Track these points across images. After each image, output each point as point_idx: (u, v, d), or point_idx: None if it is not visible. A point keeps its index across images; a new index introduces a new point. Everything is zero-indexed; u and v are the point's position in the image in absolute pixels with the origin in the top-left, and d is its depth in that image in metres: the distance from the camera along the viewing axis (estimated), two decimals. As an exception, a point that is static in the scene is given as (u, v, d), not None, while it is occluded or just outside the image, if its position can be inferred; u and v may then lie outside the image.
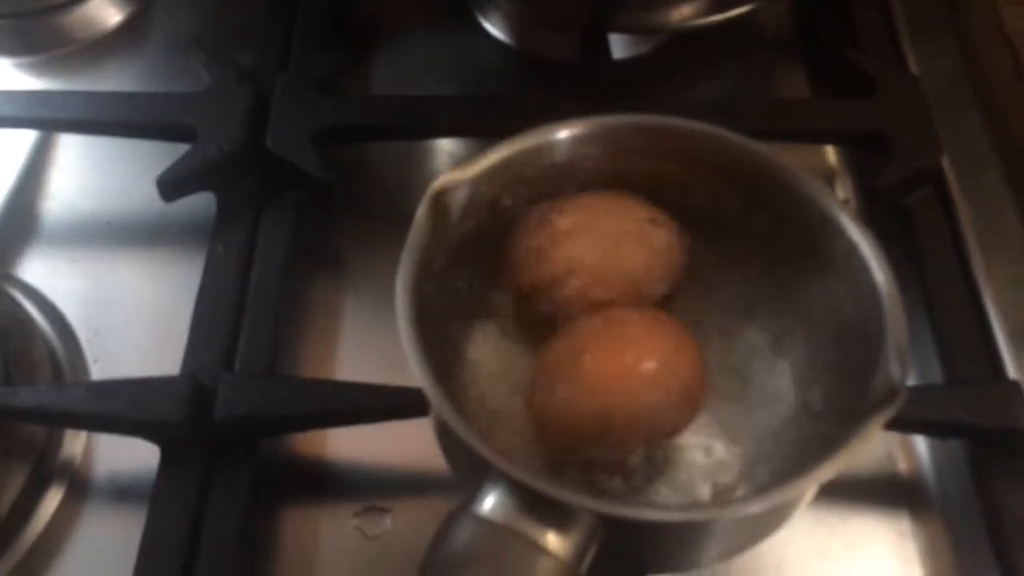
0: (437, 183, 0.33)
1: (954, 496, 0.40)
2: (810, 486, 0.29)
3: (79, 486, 0.40)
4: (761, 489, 0.30)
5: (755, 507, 0.28)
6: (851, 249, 0.32)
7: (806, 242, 0.34)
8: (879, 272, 0.31)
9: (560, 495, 0.27)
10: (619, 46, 0.53)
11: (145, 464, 0.39)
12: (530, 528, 0.27)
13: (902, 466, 0.41)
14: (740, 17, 0.50)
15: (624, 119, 0.35)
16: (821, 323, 0.34)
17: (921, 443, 0.41)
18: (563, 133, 0.35)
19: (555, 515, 0.27)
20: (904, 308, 0.30)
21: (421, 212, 0.33)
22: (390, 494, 0.40)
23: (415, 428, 0.37)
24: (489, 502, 0.28)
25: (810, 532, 0.39)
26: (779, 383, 0.34)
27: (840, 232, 0.32)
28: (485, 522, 0.28)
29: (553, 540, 0.27)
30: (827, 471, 0.28)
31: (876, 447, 0.41)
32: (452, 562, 0.27)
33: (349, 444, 0.41)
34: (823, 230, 0.33)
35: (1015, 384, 0.39)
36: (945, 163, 0.46)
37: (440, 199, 0.33)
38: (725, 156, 0.35)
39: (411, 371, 0.30)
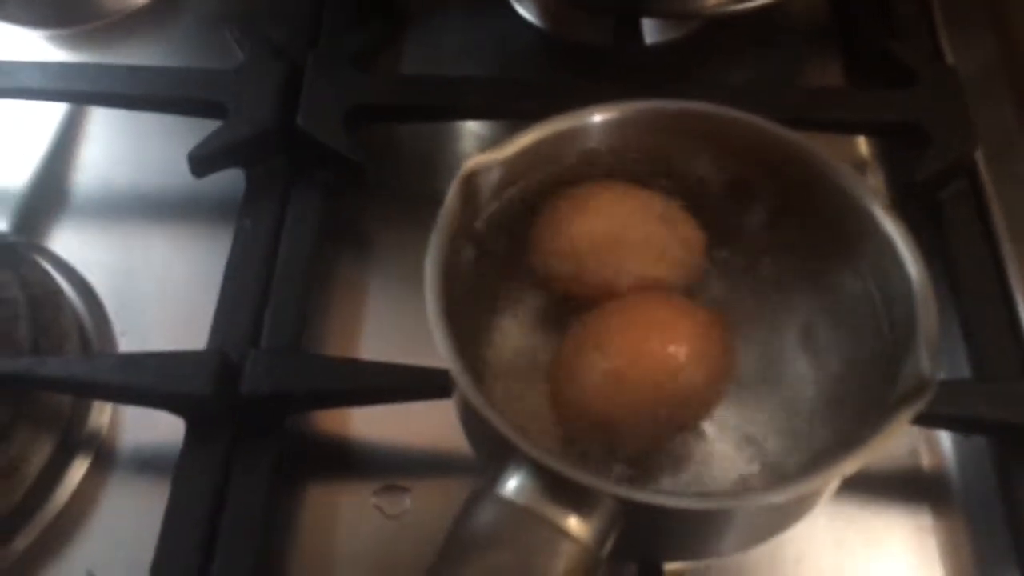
0: (469, 164, 0.33)
1: (976, 492, 0.39)
2: (833, 478, 0.29)
3: (105, 457, 0.41)
4: (783, 479, 0.29)
5: (777, 497, 0.28)
6: (884, 241, 0.32)
7: (838, 231, 0.33)
8: (912, 265, 0.31)
9: (584, 479, 0.27)
10: (652, 31, 0.52)
11: (170, 437, 0.39)
12: (552, 511, 0.27)
13: (925, 461, 0.40)
14: (775, 4, 0.49)
15: (656, 104, 0.35)
16: (850, 314, 0.33)
17: (945, 438, 0.41)
18: (596, 118, 0.35)
19: (578, 499, 0.27)
20: (936, 302, 0.30)
21: (452, 193, 0.33)
22: (410, 474, 0.40)
23: (437, 409, 0.37)
24: (512, 484, 0.28)
25: (829, 525, 0.39)
26: (806, 373, 0.34)
27: (873, 223, 0.32)
28: (507, 504, 0.28)
29: (575, 524, 0.27)
30: (852, 464, 0.27)
31: (900, 441, 0.41)
32: (473, 543, 0.28)
33: (371, 423, 0.41)
34: (856, 220, 0.33)
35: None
36: (979, 156, 0.45)
37: (471, 180, 0.33)
38: (757, 143, 0.35)
39: (436, 352, 0.30)
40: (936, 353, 0.29)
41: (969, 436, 0.40)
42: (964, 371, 0.41)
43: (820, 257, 0.34)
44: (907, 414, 0.28)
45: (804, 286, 0.35)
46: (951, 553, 0.38)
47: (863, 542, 0.39)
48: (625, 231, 0.35)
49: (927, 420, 0.39)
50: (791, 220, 0.35)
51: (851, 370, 0.33)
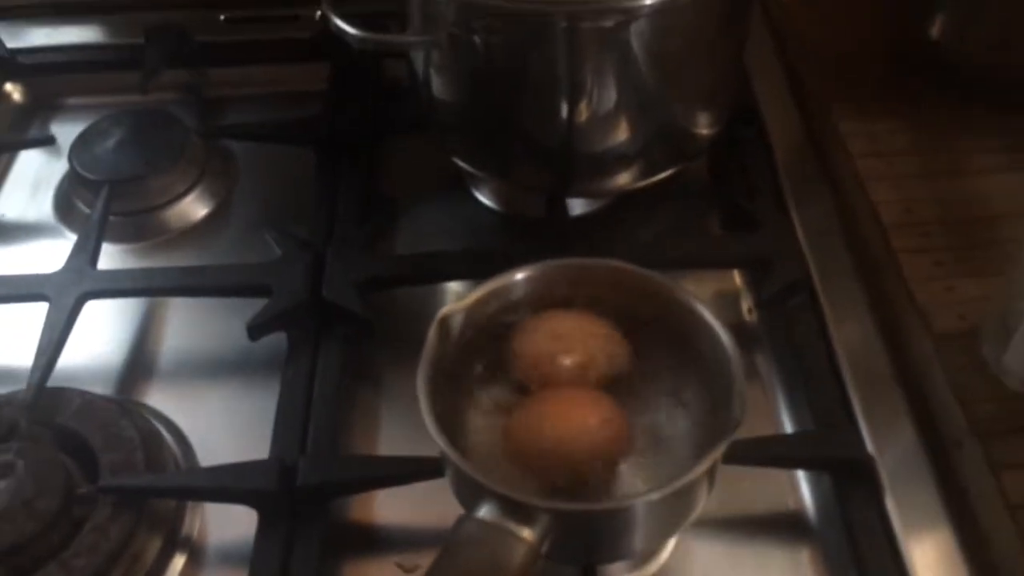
0: (442, 312, 0.50)
1: (829, 521, 0.54)
2: (681, 485, 0.44)
3: (197, 550, 0.55)
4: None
5: (652, 496, 0.44)
6: (713, 336, 0.48)
7: (689, 333, 0.50)
8: (728, 348, 0.47)
9: (525, 499, 0.43)
10: (578, 206, 0.70)
11: (245, 533, 0.53)
12: (509, 524, 0.43)
13: (790, 501, 0.56)
14: (666, 179, 0.67)
15: (565, 263, 0.52)
16: (701, 385, 0.49)
17: (804, 482, 0.56)
18: (526, 273, 0.52)
19: (525, 515, 0.43)
20: (744, 372, 0.46)
21: (431, 333, 0.49)
22: (421, 549, 0.54)
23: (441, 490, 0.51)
24: (483, 509, 0.43)
25: (715, 566, 0.53)
26: (677, 427, 0.49)
27: (707, 325, 0.49)
28: (480, 521, 0.43)
29: (525, 531, 0.43)
30: (693, 474, 0.43)
31: (771, 489, 0.56)
32: (458, 547, 0.43)
33: (391, 508, 0.56)
34: (696, 325, 0.49)
35: (857, 426, 0.55)
36: (815, 277, 0.62)
37: (444, 323, 0.50)
38: (634, 282, 0.52)
39: (432, 445, 0.45)
40: (743, 403, 0.45)
41: (818, 473, 0.55)
42: (809, 424, 0.57)
43: (680, 349, 0.51)
44: (725, 443, 0.44)
45: (674, 370, 0.51)
46: (812, 568, 0.52)
47: (749, 569, 0.53)
48: (565, 342, 0.51)
49: (788, 462, 0.55)
50: (660, 327, 0.51)
51: (703, 422, 0.49)
